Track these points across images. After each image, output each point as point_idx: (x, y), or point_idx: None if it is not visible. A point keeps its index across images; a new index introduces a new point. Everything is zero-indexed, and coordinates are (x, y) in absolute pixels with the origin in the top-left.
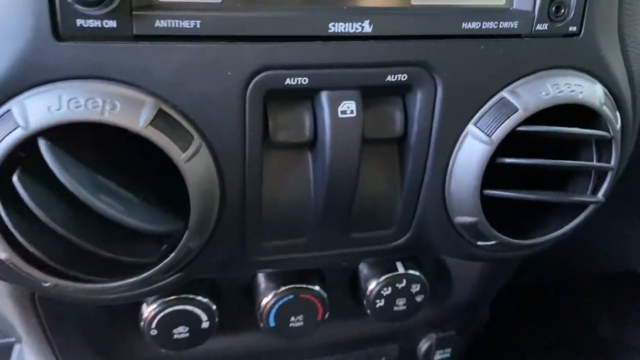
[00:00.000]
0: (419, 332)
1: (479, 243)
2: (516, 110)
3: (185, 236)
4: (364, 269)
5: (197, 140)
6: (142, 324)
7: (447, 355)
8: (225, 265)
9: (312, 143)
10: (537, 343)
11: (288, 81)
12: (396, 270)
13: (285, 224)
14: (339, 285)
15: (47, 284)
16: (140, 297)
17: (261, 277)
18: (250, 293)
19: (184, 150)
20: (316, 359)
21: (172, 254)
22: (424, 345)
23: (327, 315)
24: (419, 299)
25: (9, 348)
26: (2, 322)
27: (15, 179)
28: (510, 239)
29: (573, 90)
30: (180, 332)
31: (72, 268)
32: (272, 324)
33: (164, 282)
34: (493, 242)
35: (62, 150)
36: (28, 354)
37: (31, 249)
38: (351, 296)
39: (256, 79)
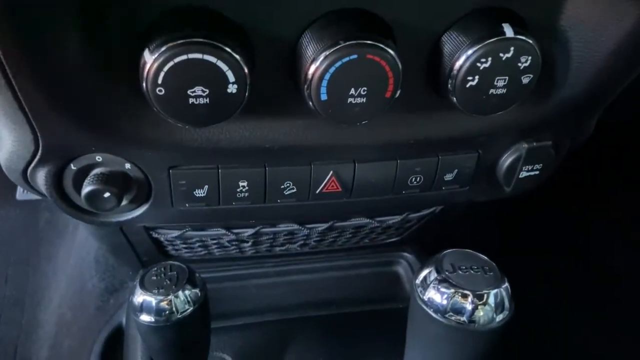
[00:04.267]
0: (507, 137)
1: None
2: None
3: None
4: (450, 37)
5: None
6: (144, 83)
7: (536, 173)
8: None
9: None
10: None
11: None
12: (502, 33)
13: None
14: (413, 61)
15: None
16: None
17: (310, 36)
18: (295, 61)
19: None
20: (369, 162)
21: None
22: (509, 158)
23: (397, 94)
24: (525, 80)
25: None
26: None
27: None
28: None
29: None
30: (198, 95)
31: None
32: (323, 97)
33: None
34: None
35: None
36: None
37: None
38: (428, 78)
39: None
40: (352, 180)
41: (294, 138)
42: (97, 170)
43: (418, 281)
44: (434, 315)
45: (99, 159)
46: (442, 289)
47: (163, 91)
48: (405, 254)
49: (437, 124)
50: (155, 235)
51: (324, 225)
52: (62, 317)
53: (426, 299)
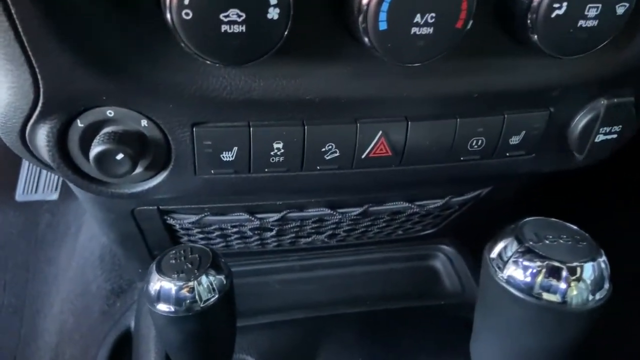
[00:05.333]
0: (584, 92)
1: None
2: None
3: None
4: None
5: None
6: (168, 6)
7: (613, 137)
8: None
9: None
10: None
11: None
12: None
13: None
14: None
15: None
16: None
17: None
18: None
19: None
20: (424, 121)
21: None
22: (584, 117)
23: (469, 26)
24: (620, 9)
25: None
26: None
27: None
28: None
29: None
30: (233, 20)
31: None
32: (382, 26)
33: None
34: None
35: None
36: None
37: None
38: (500, 12)
39: None
40: (404, 142)
41: (338, 88)
42: (108, 129)
43: (493, 255)
44: (516, 293)
45: (110, 113)
46: (526, 262)
47: (190, 15)
48: (444, 247)
49: (506, 73)
50: (170, 221)
51: (358, 210)
52: (63, 325)
53: (505, 275)
